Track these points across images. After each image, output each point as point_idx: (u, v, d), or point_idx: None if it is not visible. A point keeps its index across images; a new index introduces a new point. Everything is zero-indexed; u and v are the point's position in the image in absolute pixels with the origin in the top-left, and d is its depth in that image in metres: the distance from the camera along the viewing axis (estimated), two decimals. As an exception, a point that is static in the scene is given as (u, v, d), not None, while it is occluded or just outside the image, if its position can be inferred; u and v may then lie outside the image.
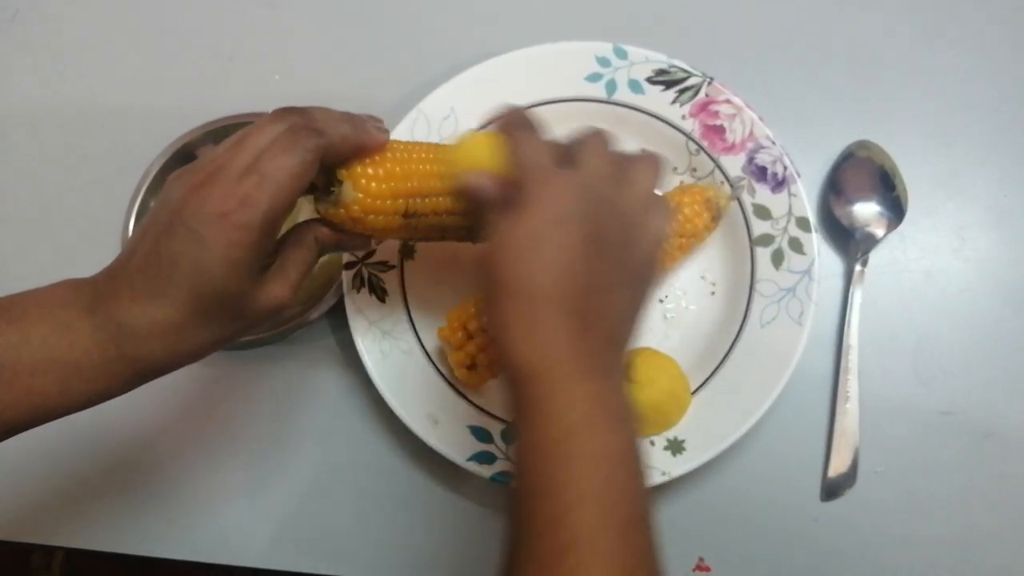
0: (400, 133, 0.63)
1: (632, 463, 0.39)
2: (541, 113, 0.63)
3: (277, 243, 0.46)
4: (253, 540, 0.60)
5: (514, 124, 0.46)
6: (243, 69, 0.71)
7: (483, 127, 0.62)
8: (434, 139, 0.63)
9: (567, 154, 0.45)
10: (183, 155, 0.65)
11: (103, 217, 0.65)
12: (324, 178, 0.47)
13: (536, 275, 0.40)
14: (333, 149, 0.44)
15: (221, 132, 0.66)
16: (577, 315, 0.40)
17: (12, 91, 0.72)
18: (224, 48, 0.72)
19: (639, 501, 0.39)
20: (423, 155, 0.49)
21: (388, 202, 0.47)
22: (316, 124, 0.43)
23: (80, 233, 0.67)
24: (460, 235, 0.52)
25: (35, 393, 0.39)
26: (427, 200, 0.48)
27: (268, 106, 0.66)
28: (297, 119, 0.43)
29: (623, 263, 0.42)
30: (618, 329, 0.43)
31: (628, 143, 0.64)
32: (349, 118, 0.45)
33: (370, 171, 0.46)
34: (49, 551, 0.91)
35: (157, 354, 0.42)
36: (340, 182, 0.46)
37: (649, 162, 0.46)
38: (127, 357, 0.41)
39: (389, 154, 0.47)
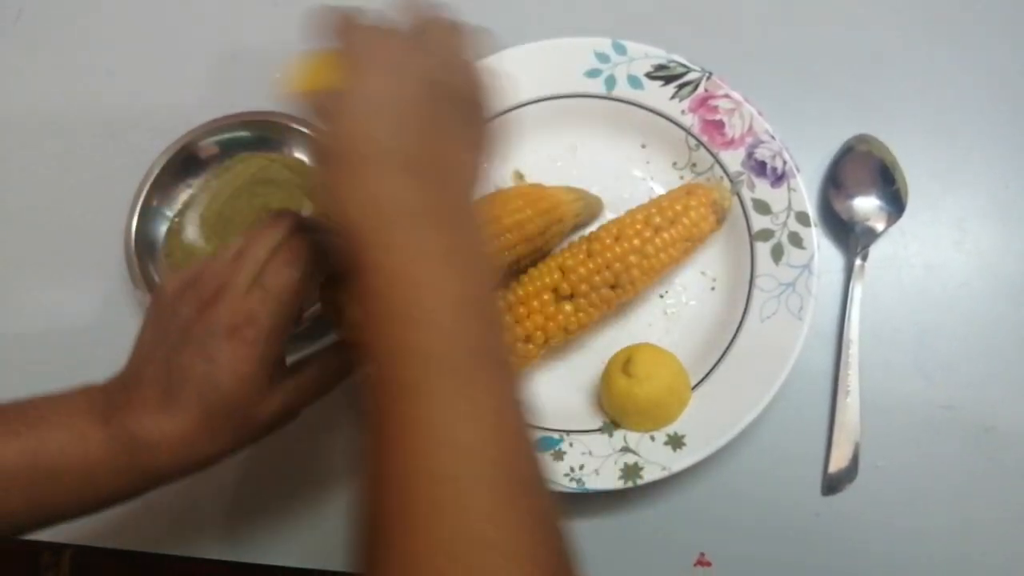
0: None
1: (477, 307, 0.38)
2: (540, 109, 0.64)
3: (304, 360, 0.47)
4: (256, 535, 0.60)
5: (343, 25, 0.43)
6: (245, 68, 0.72)
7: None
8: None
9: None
10: (186, 154, 0.66)
11: (106, 216, 0.66)
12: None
13: (369, 130, 0.38)
14: (332, 257, 0.44)
15: (223, 130, 0.66)
16: (416, 164, 0.38)
17: (16, 91, 0.72)
18: (226, 47, 0.72)
19: (489, 348, 0.37)
20: None
21: None
22: (313, 228, 0.44)
23: (83, 232, 0.67)
24: None
25: (48, 497, 0.41)
26: None
27: (270, 105, 0.67)
28: (293, 225, 0.44)
29: (462, 114, 0.41)
30: (463, 177, 0.41)
31: (627, 138, 0.65)
32: None
33: None
34: (58, 549, 0.91)
35: (165, 465, 0.42)
36: None
37: (454, 24, 0.45)
38: (137, 468, 0.42)
39: None
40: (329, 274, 0.46)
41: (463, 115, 0.41)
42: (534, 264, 0.60)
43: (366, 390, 0.37)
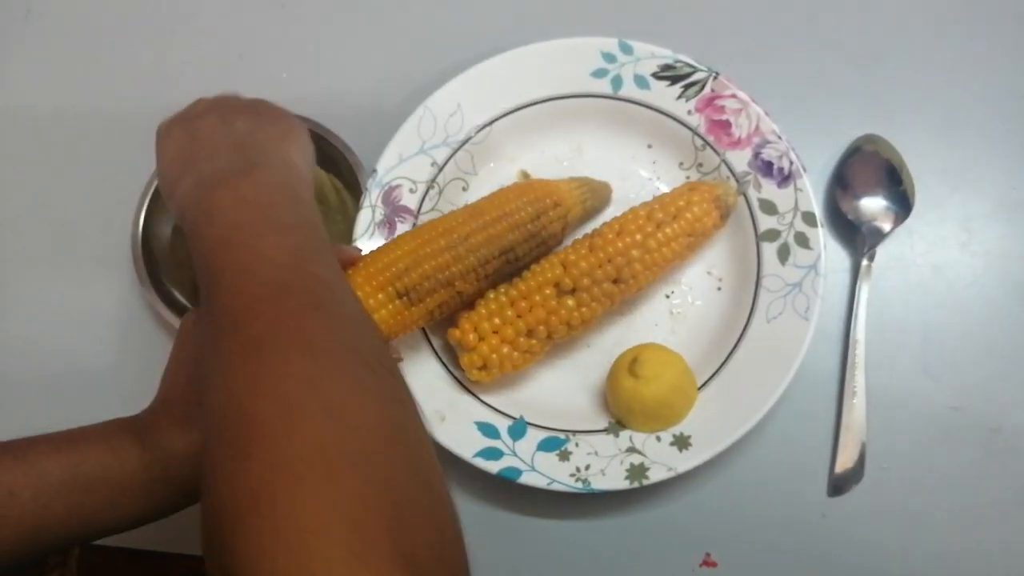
0: (407, 130, 0.63)
1: (284, 203, 0.44)
2: (547, 109, 0.64)
3: None
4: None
5: None
6: (252, 68, 0.72)
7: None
8: (440, 135, 0.63)
9: None
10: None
11: (113, 214, 0.66)
12: None
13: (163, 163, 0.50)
14: None
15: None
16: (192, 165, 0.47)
17: (24, 90, 0.73)
18: (233, 47, 0.72)
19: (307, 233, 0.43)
20: (407, 241, 0.56)
21: (379, 295, 0.53)
22: None
23: (90, 229, 0.68)
24: (479, 281, 0.57)
25: (87, 508, 0.43)
26: (413, 271, 0.54)
27: (277, 103, 0.67)
28: None
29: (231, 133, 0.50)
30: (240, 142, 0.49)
31: (634, 139, 0.65)
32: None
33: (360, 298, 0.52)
34: (64, 548, 0.92)
35: (187, 475, 0.45)
36: None
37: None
38: (167, 479, 0.45)
39: (370, 257, 0.55)
40: None
41: (251, 121, 0.51)
42: (539, 255, 0.60)
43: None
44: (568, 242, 0.61)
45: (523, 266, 0.59)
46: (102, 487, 0.44)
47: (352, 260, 0.54)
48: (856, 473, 0.59)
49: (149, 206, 0.65)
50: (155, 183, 0.65)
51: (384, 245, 0.56)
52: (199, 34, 0.73)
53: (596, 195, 0.63)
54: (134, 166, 0.66)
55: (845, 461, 0.59)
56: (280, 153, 0.49)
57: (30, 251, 0.68)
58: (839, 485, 0.59)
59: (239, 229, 0.41)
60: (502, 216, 0.57)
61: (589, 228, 0.61)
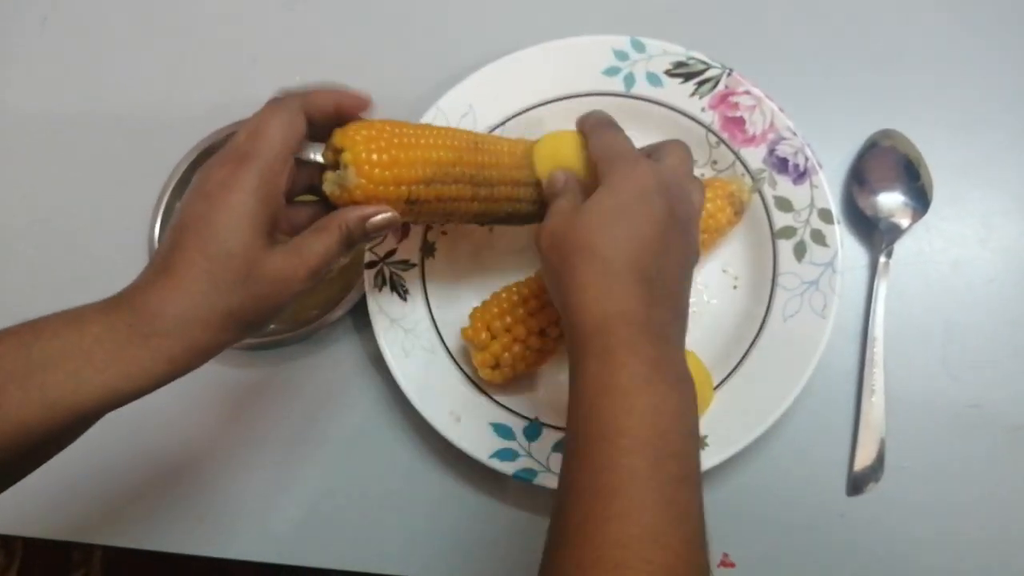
0: (419, 131, 0.63)
1: (686, 425, 0.42)
2: (559, 107, 0.64)
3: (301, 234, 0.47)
4: (280, 536, 0.60)
5: (599, 123, 0.52)
6: (265, 70, 0.72)
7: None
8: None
9: (646, 151, 0.51)
10: (208, 156, 0.66)
11: (129, 219, 0.66)
12: (333, 156, 0.48)
13: (618, 243, 0.44)
14: (314, 103, 0.47)
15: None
16: (649, 283, 0.44)
17: (40, 96, 0.73)
18: (246, 50, 0.73)
19: (689, 462, 0.41)
20: (432, 141, 0.50)
21: (391, 188, 0.48)
22: (299, 91, 0.47)
23: (107, 235, 0.68)
24: (465, 219, 0.54)
25: (48, 388, 0.39)
26: (431, 187, 0.49)
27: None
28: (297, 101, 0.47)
29: (687, 247, 0.47)
30: (680, 301, 0.47)
31: (647, 137, 0.64)
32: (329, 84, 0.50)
33: (375, 157, 0.47)
34: (88, 548, 0.93)
35: (170, 327, 0.41)
36: (345, 166, 0.47)
37: (700, 186, 0.51)
38: (139, 336, 0.40)
39: (396, 139, 0.48)
40: (333, 161, 0.48)
41: (684, 241, 0.47)
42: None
43: (568, 449, 0.42)
44: None
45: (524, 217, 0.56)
46: (61, 361, 0.39)
47: (362, 102, 0.49)
48: (875, 472, 0.58)
49: (164, 211, 0.65)
50: (171, 187, 0.65)
51: (416, 128, 0.51)
52: (212, 39, 0.73)
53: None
54: (149, 171, 0.66)
55: (864, 460, 0.59)
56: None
57: (45, 255, 0.69)
58: (858, 484, 0.58)
59: (644, 435, 0.40)
60: (513, 167, 0.54)
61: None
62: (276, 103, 0.46)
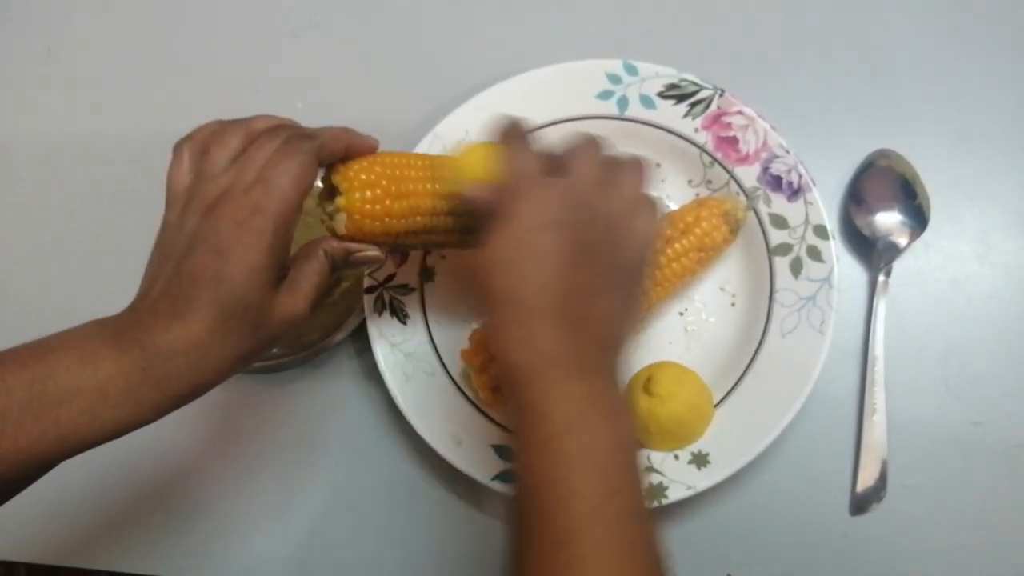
0: (417, 156, 0.64)
1: (624, 457, 0.41)
2: (553, 132, 0.64)
3: (291, 260, 0.47)
4: (280, 560, 0.60)
5: (509, 134, 0.48)
6: (266, 98, 0.73)
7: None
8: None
9: (556, 162, 0.46)
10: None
11: (133, 247, 0.66)
12: (328, 185, 0.49)
13: (522, 283, 0.42)
14: (326, 149, 0.47)
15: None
16: (565, 319, 0.42)
17: (45, 123, 0.74)
18: (247, 78, 0.74)
19: (633, 494, 0.40)
20: (419, 173, 0.50)
21: (379, 236, 0.49)
22: (307, 131, 0.46)
23: (110, 263, 0.68)
24: (451, 245, 0.53)
25: (62, 424, 0.40)
26: (418, 219, 0.50)
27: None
28: (288, 132, 0.46)
29: (610, 266, 0.44)
30: (610, 329, 0.44)
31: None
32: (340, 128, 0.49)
33: (367, 207, 0.48)
34: (92, 573, 0.92)
35: (182, 372, 0.42)
36: (337, 210, 0.48)
37: (635, 166, 0.48)
38: (152, 379, 0.41)
39: (393, 187, 0.49)
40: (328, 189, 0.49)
41: (604, 264, 0.44)
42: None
43: (515, 510, 0.40)
44: None
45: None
46: (76, 397, 0.40)
47: (369, 147, 0.50)
48: (878, 491, 0.58)
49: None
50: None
51: (415, 168, 0.50)
52: (214, 66, 0.75)
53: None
54: (152, 196, 0.67)
55: (866, 479, 0.58)
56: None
57: (51, 280, 0.69)
58: (861, 504, 0.58)
59: (594, 456, 0.40)
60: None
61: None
62: (286, 145, 0.45)
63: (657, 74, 0.63)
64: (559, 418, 0.40)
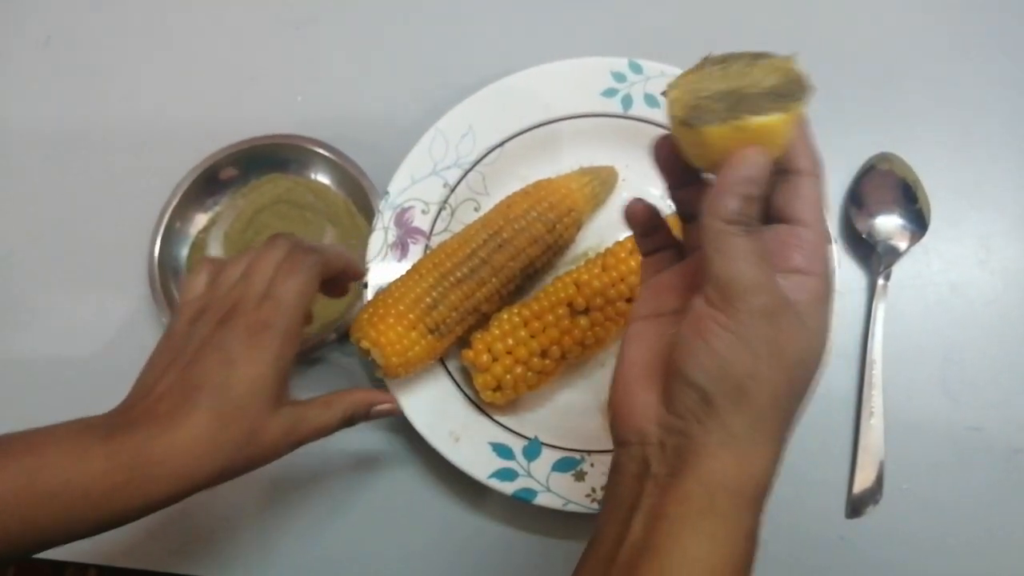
0: (419, 151, 0.64)
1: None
2: (558, 129, 0.64)
3: (313, 401, 0.49)
4: (276, 556, 0.60)
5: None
6: (267, 91, 0.73)
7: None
8: (451, 156, 0.64)
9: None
10: (210, 175, 0.66)
11: (130, 236, 0.67)
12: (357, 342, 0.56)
13: (769, 382, 0.35)
14: (329, 265, 0.50)
15: (248, 152, 0.67)
16: (785, 428, 0.36)
17: (43, 113, 0.74)
18: (247, 71, 0.73)
19: None
20: (430, 274, 0.57)
21: (413, 334, 0.55)
22: (306, 243, 0.49)
23: (108, 251, 0.68)
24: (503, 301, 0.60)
25: (47, 519, 0.40)
26: (448, 301, 0.56)
27: (291, 127, 0.67)
28: (291, 243, 0.49)
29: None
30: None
31: (645, 157, 0.64)
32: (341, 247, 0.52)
33: (394, 360, 0.55)
34: (82, 568, 0.93)
35: (163, 483, 0.42)
36: (372, 358, 0.55)
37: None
38: (134, 484, 0.41)
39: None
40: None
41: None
42: (550, 261, 0.61)
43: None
44: (579, 249, 0.63)
45: (538, 269, 0.61)
46: (63, 494, 0.40)
47: (358, 274, 0.54)
48: (874, 494, 0.58)
49: (167, 228, 0.65)
50: (172, 205, 0.65)
51: (408, 276, 0.57)
52: (215, 58, 0.74)
53: (605, 185, 0.64)
54: (152, 188, 0.67)
55: (863, 482, 0.58)
56: None
57: (47, 271, 0.69)
58: (857, 506, 0.58)
59: None
60: (520, 231, 0.58)
61: (598, 242, 0.62)
62: (291, 260, 0.48)
63: (662, 73, 0.63)
64: (733, 552, 0.36)
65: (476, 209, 0.65)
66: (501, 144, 0.64)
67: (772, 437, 0.35)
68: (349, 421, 0.50)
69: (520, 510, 0.58)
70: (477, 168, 0.64)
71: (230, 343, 0.44)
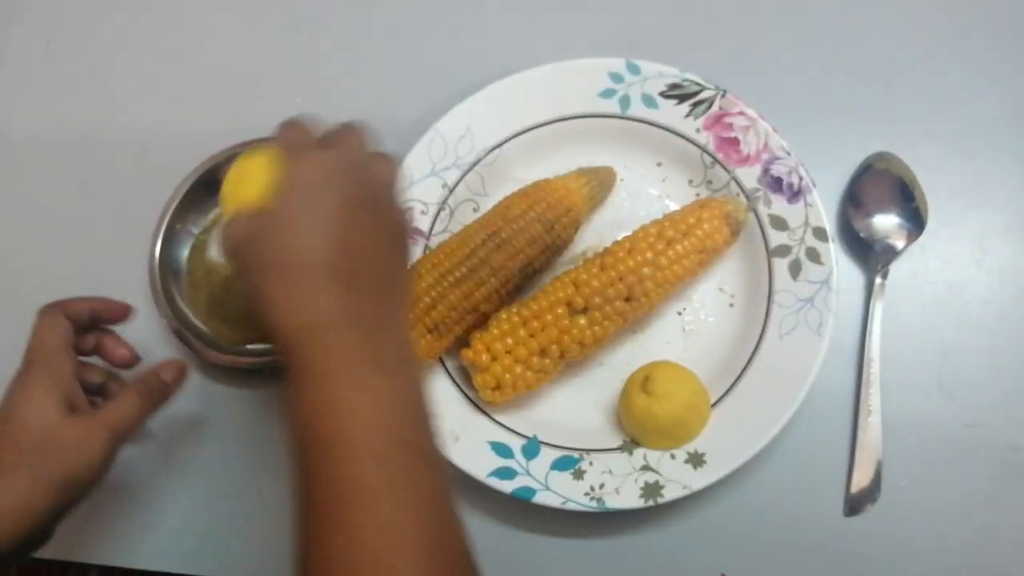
0: (417, 152, 0.64)
1: (408, 409, 0.41)
2: (556, 130, 0.64)
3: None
4: (275, 555, 0.60)
5: (285, 125, 0.48)
6: (266, 93, 0.73)
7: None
8: (450, 157, 0.65)
9: (325, 140, 0.47)
10: (210, 178, 0.67)
11: (130, 239, 0.67)
12: None
13: (298, 242, 0.42)
14: (70, 308, 0.54)
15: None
16: (344, 275, 0.42)
17: (44, 116, 0.74)
18: (247, 73, 0.73)
19: (418, 442, 0.41)
20: (429, 274, 0.58)
21: (412, 333, 0.56)
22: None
23: (107, 254, 0.69)
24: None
25: None
26: (447, 301, 0.57)
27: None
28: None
29: (383, 222, 0.45)
30: (390, 281, 0.45)
31: (642, 157, 0.65)
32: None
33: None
34: (84, 568, 0.93)
35: (14, 530, 0.45)
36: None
37: (390, 158, 0.48)
38: None
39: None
40: None
41: (376, 222, 0.44)
42: (549, 261, 0.61)
43: (298, 472, 0.40)
44: (578, 249, 0.63)
45: (536, 269, 0.61)
46: None
47: (124, 313, 0.57)
48: (872, 492, 0.58)
49: (167, 231, 0.66)
50: (172, 208, 0.66)
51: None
52: (214, 61, 0.74)
53: (603, 185, 0.64)
54: (152, 191, 0.67)
55: (861, 480, 0.58)
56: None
57: (47, 273, 0.69)
58: (855, 504, 0.58)
59: (379, 430, 0.39)
60: (518, 231, 0.58)
61: (597, 242, 0.62)
62: (42, 312, 0.53)
63: (660, 73, 0.63)
64: (342, 375, 0.40)
65: (475, 210, 0.65)
66: (499, 145, 0.65)
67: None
68: (150, 398, 0.52)
69: (519, 508, 0.58)
70: (476, 169, 0.65)
71: (10, 389, 0.49)
